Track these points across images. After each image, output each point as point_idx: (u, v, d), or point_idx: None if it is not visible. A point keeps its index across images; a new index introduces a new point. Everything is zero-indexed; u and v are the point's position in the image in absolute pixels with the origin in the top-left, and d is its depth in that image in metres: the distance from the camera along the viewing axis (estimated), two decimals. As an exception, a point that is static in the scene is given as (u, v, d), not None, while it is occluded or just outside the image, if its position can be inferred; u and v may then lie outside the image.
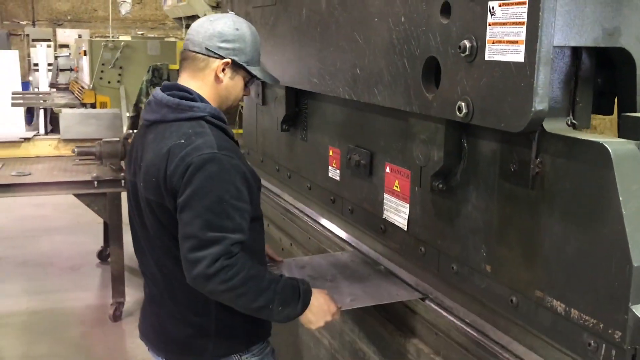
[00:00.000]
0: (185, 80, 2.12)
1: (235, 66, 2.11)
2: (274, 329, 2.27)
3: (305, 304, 2.01)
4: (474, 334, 1.83)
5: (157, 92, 2.11)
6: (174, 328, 2.14)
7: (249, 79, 2.17)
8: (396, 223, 2.17)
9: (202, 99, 2.07)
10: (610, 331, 1.38)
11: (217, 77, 2.09)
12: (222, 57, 2.08)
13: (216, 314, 2.07)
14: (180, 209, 1.93)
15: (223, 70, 2.09)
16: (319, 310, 2.04)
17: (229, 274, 1.89)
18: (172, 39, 11.28)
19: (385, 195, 2.22)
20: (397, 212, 2.16)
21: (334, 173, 2.63)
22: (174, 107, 2.03)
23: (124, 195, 5.05)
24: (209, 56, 2.08)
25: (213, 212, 1.90)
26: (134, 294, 5.22)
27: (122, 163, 5.13)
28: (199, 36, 2.09)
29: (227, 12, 2.18)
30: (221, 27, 2.08)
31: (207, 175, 1.91)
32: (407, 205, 2.10)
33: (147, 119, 2.11)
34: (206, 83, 2.10)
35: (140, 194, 2.09)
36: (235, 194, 1.94)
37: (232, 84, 2.13)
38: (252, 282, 1.93)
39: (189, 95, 2.06)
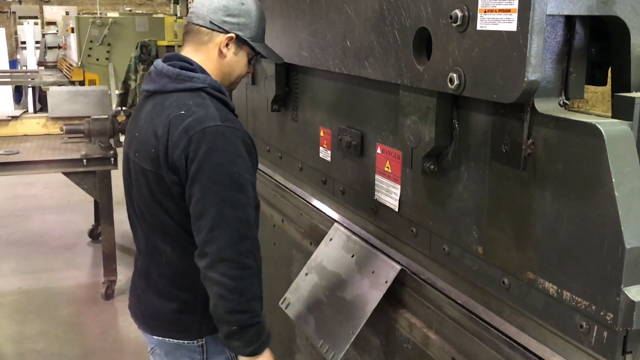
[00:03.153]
0: (188, 53, 2.10)
1: (240, 41, 2.08)
2: (268, 306, 2.26)
3: (256, 352, 1.99)
4: (466, 315, 1.83)
5: (157, 62, 2.10)
6: (159, 303, 2.14)
7: (253, 55, 2.14)
8: (387, 204, 2.16)
9: (202, 70, 2.05)
10: (602, 313, 1.37)
11: (220, 52, 2.07)
12: (227, 32, 2.05)
13: (202, 290, 2.06)
14: (190, 184, 1.92)
15: (227, 45, 2.07)
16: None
17: (232, 272, 1.90)
18: (160, 15, 11.17)
19: (377, 176, 2.21)
20: (388, 193, 2.15)
21: (325, 154, 2.62)
22: (173, 77, 2.02)
23: (114, 173, 5.04)
24: (213, 30, 2.06)
25: (225, 186, 1.90)
26: (125, 272, 5.24)
27: (111, 141, 5.09)
28: (204, 9, 2.06)
29: None
30: (227, 1, 2.05)
31: (213, 148, 1.90)
32: (399, 187, 2.09)
33: (147, 89, 2.10)
34: (209, 57, 2.08)
35: (133, 164, 2.07)
36: (244, 165, 1.95)
37: (236, 59, 2.11)
38: (240, 297, 1.92)
39: (189, 65, 2.04)
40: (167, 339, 2.16)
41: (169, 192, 1.98)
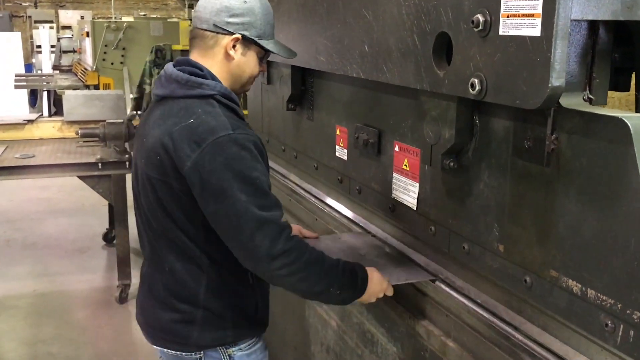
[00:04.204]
0: (196, 59, 2.03)
1: (247, 41, 2.02)
2: (281, 311, 2.24)
3: (362, 290, 2.00)
4: (486, 314, 1.80)
5: (168, 66, 2.05)
6: (160, 312, 2.10)
7: (263, 53, 2.09)
8: (405, 202, 2.14)
9: (212, 77, 1.99)
10: (628, 311, 1.34)
11: (227, 55, 2.01)
12: (232, 33, 1.99)
13: (204, 303, 2.02)
14: (213, 198, 1.86)
15: (234, 46, 2.00)
16: (373, 290, 2.02)
17: (291, 257, 1.86)
18: (175, 20, 11.21)
19: (394, 175, 2.19)
20: (407, 192, 2.12)
21: (341, 152, 2.59)
22: (183, 83, 1.97)
23: (128, 177, 5.03)
24: (218, 33, 2.00)
25: (249, 193, 1.85)
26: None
27: (127, 145, 5.10)
28: (206, 12, 2.00)
29: None
30: (228, 0, 1.99)
31: (230, 157, 1.85)
32: (417, 185, 2.06)
33: (156, 93, 2.05)
34: (217, 61, 2.02)
35: (140, 171, 2.04)
36: (262, 169, 1.91)
37: (245, 60, 2.04)
38: (313, 266, 1.91)
39: (199, 71, 1.99)
40: (166, 350, 2.14)
41: (177, 201, 1.95)
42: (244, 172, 1.85)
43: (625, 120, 1.33)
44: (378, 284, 2.03)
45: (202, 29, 2.02)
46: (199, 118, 1.90)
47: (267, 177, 1.94)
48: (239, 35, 2.00)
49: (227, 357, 2.11)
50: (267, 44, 2.05)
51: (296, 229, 2.42)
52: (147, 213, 2.07)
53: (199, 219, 1.96)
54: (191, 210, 1.95)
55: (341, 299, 2.01)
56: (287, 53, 2.15)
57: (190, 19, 8.14)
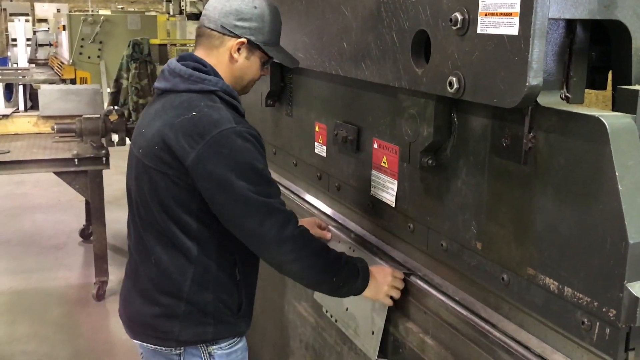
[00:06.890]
0: (200, 56, 2.06)
1: (252, 46, 2.04)
2: (261, 308, 2.23)
3: (365, 280, 2.02)
4: (463, 312, 1.80)
5: (171, 61, 2.07)
6: (142, 305, 2.09)
7: (267, 59, 2.10)
8: (384, 200, 2.14)
9: (215, 73, 2.02)
10: (604, 309, 1.35)
11: (231, 57, 2.03)
12: (238, 36, 2.01)
13: (188, 296, 2.01)
14: (220, 189, 1.88)
15: (238, 49, 2.03)
16: (379, 281, 2.03)
17: (300, 243, 1.92)
18: (153, 13, 11.13)
19: (373, 172, 2.18)
20: (385, 189, 2.12)
21: (320, 149, 2.59)
22: (186, 77, 1.98)
23: (105, 173, 4.98)
24: (224, 34, 2.02)
25: (256, 182, 1.89)
26: (117, 273, 5.17)
27: (103, 140, 5.04)
28: (215, 12, 2.02)
29: None
30: (239, 4, 2.01)
31: (235, 149, 1.87)
32: (396, 182, 2.06)
33: (158, 87, 2.07)
34: (220, 61, 2.04)
35: (136, 161, 2.04)
36: (264, 161, 1.95)
37: (248, 64, 2.06)
38: (320, 255, 1.96)
39: (202, 67, 2.01)
40: (146, 344, 2.12)
41: (173, 191, 1.95)
42: (250, 163, 1.89)
43: (602, 119, 1.33)
44: (382, 276, 2.04)
45: (209, 28, 2.04)
46: (201, 111, 1.92)
47: (268, 169, 1.98)
48: (244, 39, 2.02)
49: (208, 355, 2.10)
50: (271, 51, 2.08)
51: (312, 221, 2.47)
52: (138, 203, 2.07)
53: (194, 210, 1.97)
54: (187, 200, 1.96)
55: (344, 291, 2.03)
56: (290, 62, 2.19)
57: (168, 13, 8.08)
